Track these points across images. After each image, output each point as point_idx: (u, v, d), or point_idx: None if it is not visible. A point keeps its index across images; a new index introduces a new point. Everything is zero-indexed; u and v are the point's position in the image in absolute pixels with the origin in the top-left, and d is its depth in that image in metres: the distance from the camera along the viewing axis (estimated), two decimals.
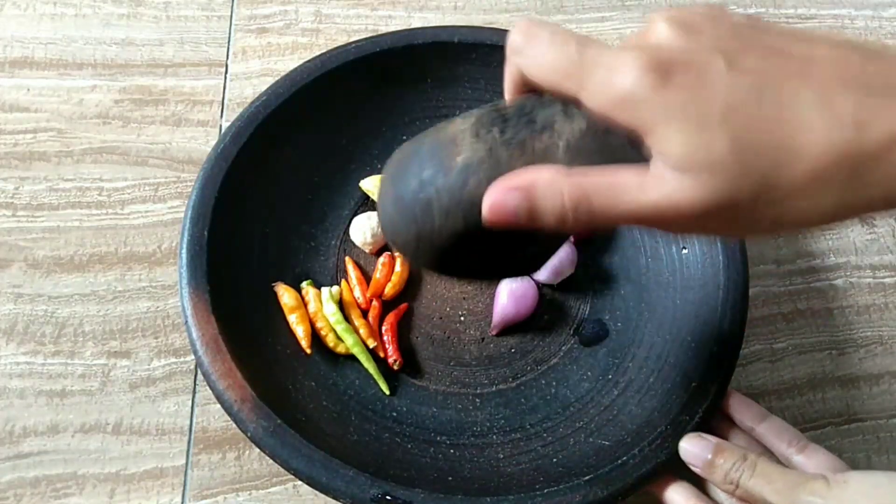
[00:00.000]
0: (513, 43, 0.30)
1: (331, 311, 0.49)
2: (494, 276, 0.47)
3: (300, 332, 0.48)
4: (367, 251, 0.53)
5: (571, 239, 0.53)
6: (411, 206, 0.32)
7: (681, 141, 0.26)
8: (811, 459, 0.41)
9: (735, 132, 0.25)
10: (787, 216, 0.26)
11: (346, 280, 0.52)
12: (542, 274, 0.52)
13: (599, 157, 0.29)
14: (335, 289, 0.50)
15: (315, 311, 0.49)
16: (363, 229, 0.52)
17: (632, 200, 0.27)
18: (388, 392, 0.48)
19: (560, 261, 0.51)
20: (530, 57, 0.30)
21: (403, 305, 0.51)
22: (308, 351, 0.47)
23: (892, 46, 0.26)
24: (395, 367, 0.49)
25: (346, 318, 0.49)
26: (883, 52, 0.26)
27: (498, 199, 0.29)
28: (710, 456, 0.40)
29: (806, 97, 0.25)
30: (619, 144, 0.28)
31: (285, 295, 0.49)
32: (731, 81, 0.26)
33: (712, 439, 0.41)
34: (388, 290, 0.51)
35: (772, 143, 0.25)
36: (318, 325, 0.49)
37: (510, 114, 0.31)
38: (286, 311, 0.48)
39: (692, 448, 0.41)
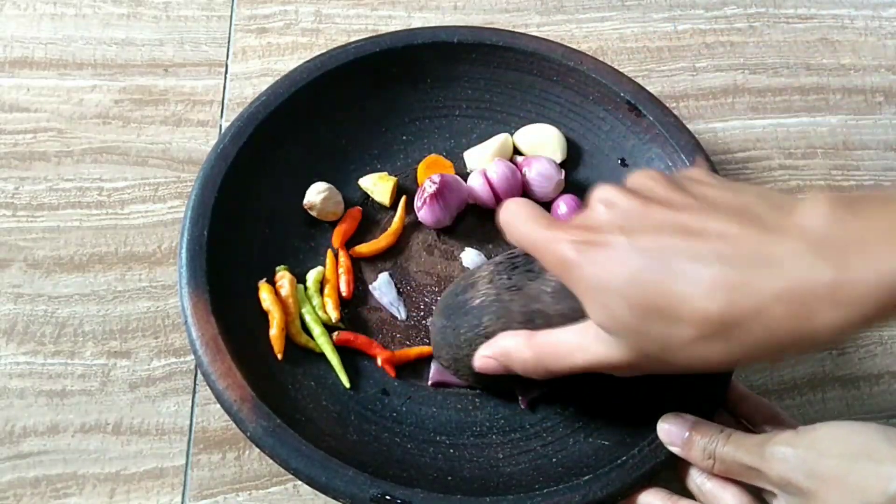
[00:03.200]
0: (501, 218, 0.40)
1: (306, 305, 0.50)
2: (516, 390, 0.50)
3: (273, 333, 0.48)
4: (314, 214, 0.53)
5: None
6: (447, 335, 0.45)
7: (594, 310, 0.34)
8: None
9: (632, 303, 0.32)
10: (689, 363, 0.33)
11: (335, 263, 0.52)
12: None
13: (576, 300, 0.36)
14: (318, 270, 0.51)
15: (287, 295, 0.49)
16: (313, 192, 0.52)
17: (573, 361, 0.37)
18: (348, 386, 0.47)
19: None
20: (511, 235, 0.39)
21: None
22: (279, 356, 0.47)
23: (798, 207, 0.31)
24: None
25: (321, 291, 0.51)
26: (780, 219, 0.31)
27: (481, 364, 0.42)
28: (687, 433, 0.41)
29: (689, 273, 0.31)
30: None
31: (266, 297, 0.49)
32: (630, 259, 0.32)
33: (689, 417, 0.42)
34: (367, 247, 0.53)
35: (662, 311, 0.31)
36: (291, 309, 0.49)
37: (518, 262, 0.43)
38: (268, 314, 0.48)
39: (671, 426, 0.41)
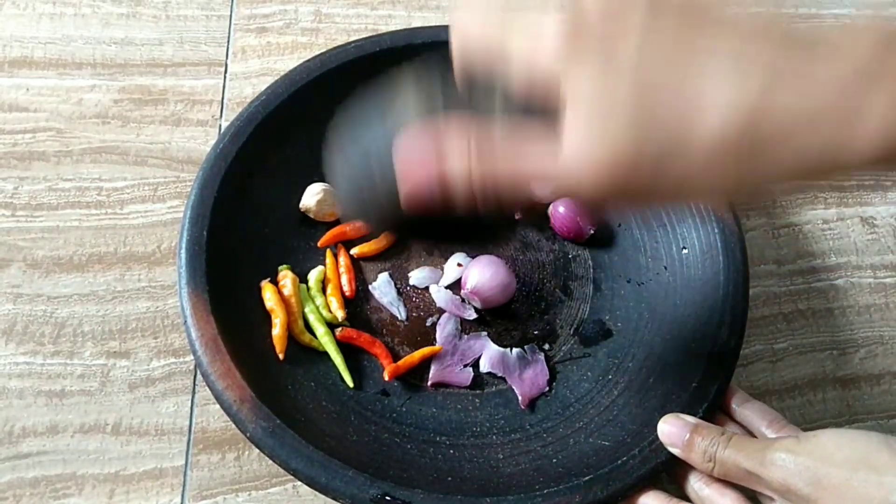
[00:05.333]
0: (451, 19, 0.31)
1: (308, 303, 0.50)
2: (447, 237, 0.44)
3: (276, 332, 0.48)
4: (311, 216, 0.53)
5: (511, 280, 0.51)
6: (351, 158, 0.32)
7: (589, 99, 0.26)
8: None
9: (642, 92, 0.25)
10: (688, 184, 0.26)
11: (335, 263, 0.52)
12: (476, 301, 0.51)
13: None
14: (319, 269, 0.51)
15: (290, 294, 0.49)
16: (309, 195, 0.52)
17: (538, 167, 0.28)
18: (352, 385, 0.47)
19: (491, 289, 0.50)
20: (460, 27, 0.30)
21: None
22: (281, 356, 0.47)
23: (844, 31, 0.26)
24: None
25: (323, 290, 0.51)
26: (825, 40, 0.26)
27: (407, 169, 0.29)
28: (688, 435, 0.41)
29: (720, 69, 0.25)
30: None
31: (269, 296, 0.49)
32: (640, 53, 0.25)
33: (690, 419, 0.42)
34: (367, 247, 0.53)
35: (677, 109, 0.25)
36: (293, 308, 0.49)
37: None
38: (272, 314, 0.49)
39: (672, 428, 0.41)
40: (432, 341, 0.50)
